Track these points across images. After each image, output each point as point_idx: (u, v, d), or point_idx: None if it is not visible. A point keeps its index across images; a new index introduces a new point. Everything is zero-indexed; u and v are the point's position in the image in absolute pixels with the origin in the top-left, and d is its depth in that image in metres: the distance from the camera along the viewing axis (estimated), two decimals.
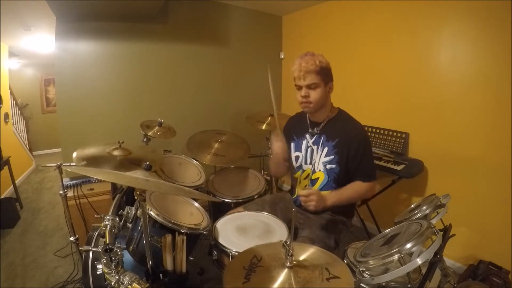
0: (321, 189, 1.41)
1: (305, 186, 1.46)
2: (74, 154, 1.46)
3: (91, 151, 1.53)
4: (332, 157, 1.37)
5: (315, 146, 1.43)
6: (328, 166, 1.38)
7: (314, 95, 1.32)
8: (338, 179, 1.38)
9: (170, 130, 2.25)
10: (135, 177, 0.90)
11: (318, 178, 1.42)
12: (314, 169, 1.43)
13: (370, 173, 1.37)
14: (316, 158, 1.42)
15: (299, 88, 1.35)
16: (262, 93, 3.36)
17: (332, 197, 1.33)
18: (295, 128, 1.54)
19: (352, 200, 1.44)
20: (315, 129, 1.44)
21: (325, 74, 1.32)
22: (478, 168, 1.91)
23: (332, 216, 1.43)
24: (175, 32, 2.75)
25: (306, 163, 1.47)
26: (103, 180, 2.36)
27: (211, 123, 2.77)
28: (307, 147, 1.46)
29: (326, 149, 1.39)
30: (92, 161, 1.46)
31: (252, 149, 2.26)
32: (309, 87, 1.32)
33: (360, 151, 1.32)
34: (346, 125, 1.39)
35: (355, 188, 1.36)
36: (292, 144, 1.53)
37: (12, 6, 2.55)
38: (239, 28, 3.14)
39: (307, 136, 1.46)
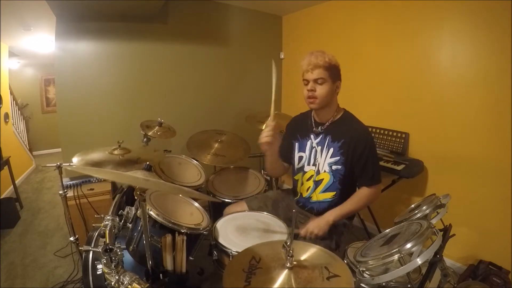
0: (326, 190, 1.41)
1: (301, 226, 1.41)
2: (74, 159, 1.44)
3: (90, 156, 1.52)
4: (338, 158, 1.36)
5: (319, 147, 1.42)
6: (334, 167, 1.38)
7: (320, 90, 1.32)
8: (343, 180, 1.38)
9: (170, 130, 2.25)
10: (135, 177, 0.90)
11: (322, 179, 1.41)
12: (318, 170, 1.42)
13: (375, 175, 1.36)
14: (320, 159, 1.41)
15: (306, 82, 1.34)
16: (262, 93, 3.36)
17: (333, 212, 1.34)
18: (299, 128, 1.53)
19: (355, 211, 1.43)
20: (320, 128, 1.43)
21: (333, 72, 1.32)
22: (478, 168, 1.91)
23: None
24: (175, 32, 2.75)
25: (309, 164, 1.46)
26: (103, 180, 2.37)
27: (211, 123, 2.77)
28: (311, 147, 1.45)
29: (331, 150, 1.38)
30: (96, 165, 1.45)
31: (252, 149, 2.26)
32: (316, 81, 1.31)
33: (365, 153, 1.32)
34: (352, 126, 1.38)
35: (356, 199, 1.37)
36: (296, 144, 1.52)
37: (12, 6, 2.55)
38: (239, 28, 3.14)
39: (312, 136, 1.46)
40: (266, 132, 1.31)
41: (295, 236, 1.36)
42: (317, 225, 1.30)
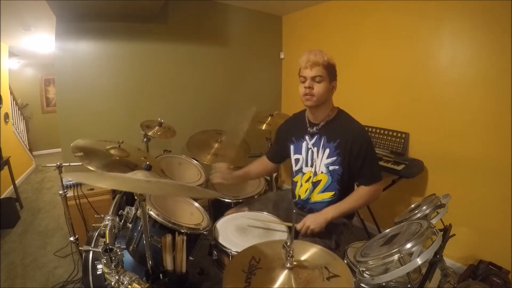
0: (324, 190, 1.41)
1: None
2: (72, 144, 1.46)
3: (89, 142, 1.52)
4: (335, 158, 1.36)
5: (315, 148, 1.41)
6: (331, 168, 1.37)
7: (318, 88, 1.31)
8: (341, 180, 1.37)
9: (170, 130, 2.25)
10: (137, 179, 0.89)
11: (320, 180, 1.41)
12: (315, 171, 1.42)
13: (374, 174, 1.35)
14: (317, 160, 1.41)
15: (304, 80, 1.33)
16: (262, 93, 3.37)
17: (333, 209, 1.33)
18: (293, 130, 1.52)
19: (355, 209, 1.42)
20: (314, 128, 1.42)
21: (331, 71, 1.32)
22: (478, 168, 1.91)
23: None
24: (175, 32, 2.75)
25: (306, 166, 1.45)
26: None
27: (211, 123, 2.76)
28: (307, 149, 1.44)
29: (327, 150, 1.37)
30: (88, 153, 1.46)
31: (252, 149, 2.26)
32: (314, 79, 1.30)
33: (362, 152, 1.31)
34: (346, 126, 1.37)
35: (355, 197, 1.36)
36: (292, 147, 1.51)
37: (12, 6, 2.55)
38: (239, 28, 3.14)
39: (307, 137, 1.44)
40: (215, 175, 1.49)
41: (295, 235, 1.37)
42: (314, 220, 1.28)
